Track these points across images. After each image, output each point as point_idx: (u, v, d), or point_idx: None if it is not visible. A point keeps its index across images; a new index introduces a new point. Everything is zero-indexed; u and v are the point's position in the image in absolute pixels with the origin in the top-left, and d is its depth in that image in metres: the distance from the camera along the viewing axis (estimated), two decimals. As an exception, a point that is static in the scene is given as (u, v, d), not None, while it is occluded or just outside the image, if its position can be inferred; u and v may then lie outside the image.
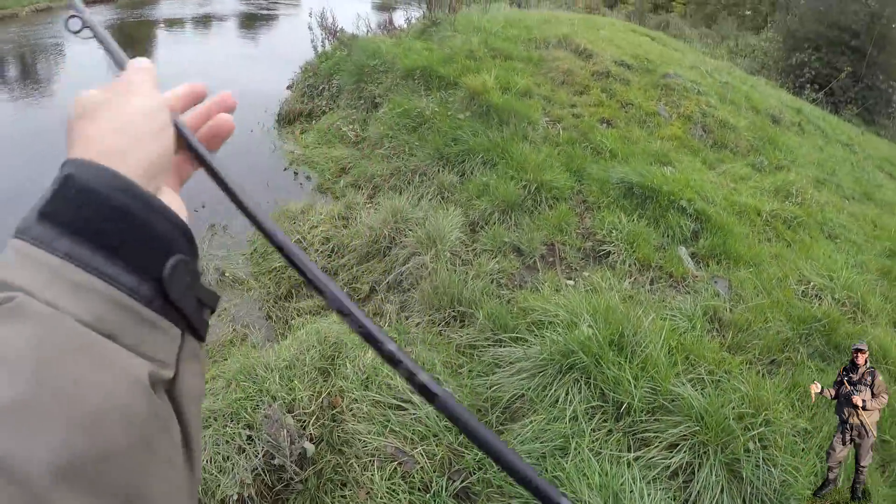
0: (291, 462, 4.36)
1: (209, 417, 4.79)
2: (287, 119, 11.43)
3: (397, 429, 4.15)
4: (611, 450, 4.11)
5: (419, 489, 3.88)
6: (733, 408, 4.33)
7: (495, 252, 5.95)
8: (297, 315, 5.70)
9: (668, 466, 4.14)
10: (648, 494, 3.72)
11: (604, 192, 6.96)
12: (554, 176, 7.03)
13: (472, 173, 7.57)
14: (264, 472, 4.42)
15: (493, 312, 4.98)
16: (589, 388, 4.29)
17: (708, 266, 6.74)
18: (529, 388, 4.23)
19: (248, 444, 4.58)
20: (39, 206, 0.45)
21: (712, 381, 4.82)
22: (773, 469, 3.99)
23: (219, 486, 4.59)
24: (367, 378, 4.52)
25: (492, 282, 5.50)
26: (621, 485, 3.76)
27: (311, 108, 11.46)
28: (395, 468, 3.99)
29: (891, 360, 5.48)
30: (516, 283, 5.59)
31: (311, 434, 4.44)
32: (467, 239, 6.25)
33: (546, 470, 3.78)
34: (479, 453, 3.99)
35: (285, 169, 9.44)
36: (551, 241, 6.07)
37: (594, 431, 4.15)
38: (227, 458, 4.60)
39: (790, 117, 13.07)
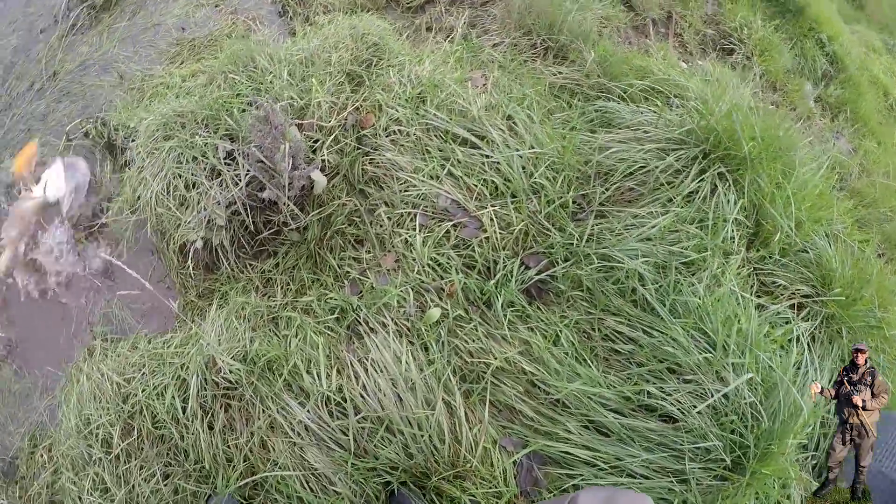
0: (289, 199, 2.96)
1: (170, 123, 3.28)
2: None
3: (459, 172, 2.75)
4: (739, 282, 2.86)
5: (478, 270, 2.60)
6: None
7: (603, -8, 4.28)
8: (325, 12, 4.00)
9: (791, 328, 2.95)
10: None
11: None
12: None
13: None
14: (246, 210, 3.02)
15: (607, 54, 3.45)
16: (735, 192, 2.94)
17: (833, 119, 5.35)
18: (658, 166, 2.84)
19: (227, 164, 3.13)
20: None
21: (847, 248, 3.58)
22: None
23: (178, 226, 3.21)
24: (420, 94, 3.01)
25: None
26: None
27: None
28: (448, 232, 2.66)
29: None
30: (621, 39, 4.03)
31: (324, 161, 3.00)
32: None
33: (672, 288, 2.53)
34: (574, 235, 2.68)
35: None
36: (671, 9, 4.53)
37: (729, 255, 2.87)
38: (194, 184, 3.17)
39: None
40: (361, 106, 3.15)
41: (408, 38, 3.79)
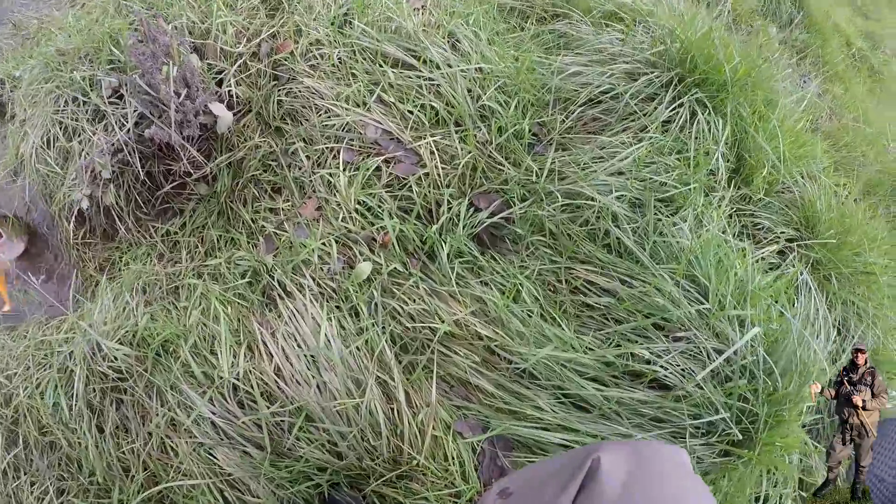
0: (187, 139, 2.41)
1: (52, 64, 2.69)
2: None
3: (391, 98, 2.23)
4: (724, 225, 2.48)
5: (417, 214, 2.10)
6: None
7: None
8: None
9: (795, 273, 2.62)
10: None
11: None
12: None
13: None
14: (135, 155, 2.45)
15: None
16: (715, 117, 2.53)
17: (799, 63, 5.07)
18: (627, 92, 2.40)
19: (114, 105, 2.55)
20: None
21: (828, 190, 3.27)
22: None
23: (61, 184, 2.63)
24: (346, 14, 2.49)
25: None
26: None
27: None
28: (379, 168, 2.15)
29: None
30: None
31: (229, 93, 2.45)
32: None
33: (651, 229, 2.10)
34: (533, 170, 2.21)
35: None
36: None
37: (711, 191, 2.47)
38: (76, 132, 2.59)
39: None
40: (278, 33, 2.61)
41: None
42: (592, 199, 2.11)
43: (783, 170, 2.79)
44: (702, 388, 1.67)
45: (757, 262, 2.58)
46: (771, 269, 2.64)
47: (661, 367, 1.74)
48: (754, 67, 2.74)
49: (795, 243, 2.78)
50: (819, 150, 3.46)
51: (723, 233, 2.24)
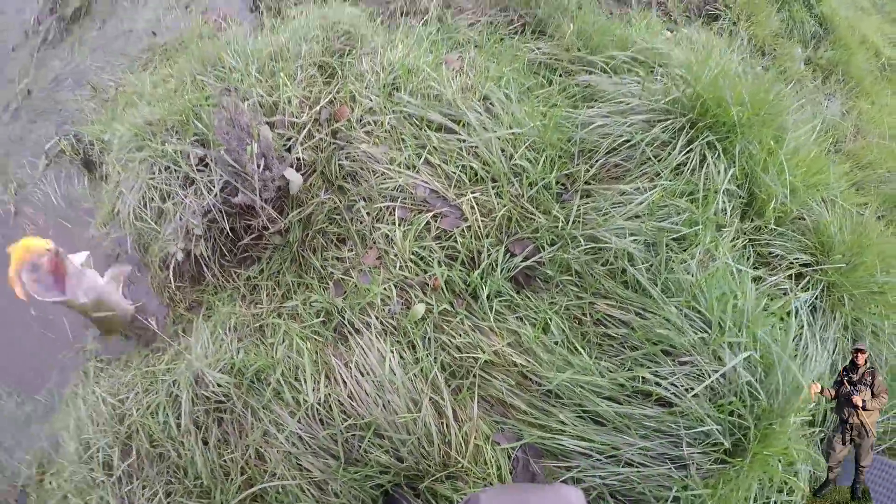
0: (265, 201, 2.87)
1: (141, 133, 3.19)
2: None
3: (436, 160, 2.65)
4: (734, 256, 2.77)
5: (462, 261, 2.50)
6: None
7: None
8: (296, 3, 3.88)
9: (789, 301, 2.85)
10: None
11: None
12: None
13: None
14: (223, 216, 2.93)
15: (588, 26, 3.33)
16: (726, 161, 2.83)
17: (825, 81, 5.22)
18: (644, 139, 2.74)
19: (200, 171, 3.04)
20: None
21: (844, 212, 3.48)
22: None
23: (156, 238, 3.11)
24: (393, 81, 2.91)
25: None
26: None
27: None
28: (429, 223, 2.57)
29: None
30: (603, 11, 3.92)
31: (298, 159, 2.91)
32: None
33: (663, 266, 2.43)
34: (560, 217, 2.58)
35: None
36: None
37: (722, 227, 2.77)
38: (169, 195, 3.07)
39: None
40: (335, 98, 3.05)
41: (381, 24, 3.69)
42: (610, 243, 2.45)
43: (794, 200, 3.04)
44: (696, 403, 2.01)
45: (770, 288, 2.86)
46: (783, 294, 2.90)
47: (665, 387, 2.08)
48: (762, 107, 3.01)
49: (811, 268, 3.01)
50: (834, 176, 3.66)
51: (728, 264, 2.54)
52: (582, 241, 2.50)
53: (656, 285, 2.36)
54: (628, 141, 2.78)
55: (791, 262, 3.02)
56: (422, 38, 3.23)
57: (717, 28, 4.72)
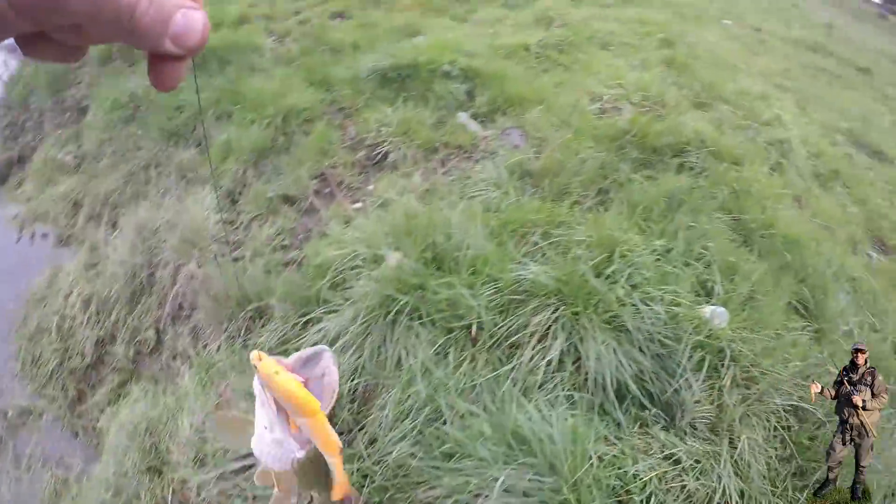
0: None
1: None
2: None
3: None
4: (483, 375, 3.40)
5: None
6: (588, 263, 3.81)
7: (265, 214, 4.80)
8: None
9: (549, 361, 3.53)
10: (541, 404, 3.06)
11: (358, 91, 5.92)
12: (298, 98, 5.85)
13: (209, 137, 6.16)
14: None
15: (286, 292, 3.91)
16: (428, 326, 3.47)
17: (494, 122, 6.15)
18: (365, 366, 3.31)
19: None
20: None
21: (552, 245, 4.27)
22: (653, 305, 3.58)
23: None
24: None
25: (273, 251, 4.39)
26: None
27: (19, 152, 9.08)
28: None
29: (709, 142, 5.35)
30: (301, 238, 4.54)
31: None
32: (229, 215, 4.99)
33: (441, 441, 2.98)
34: None
35: (18, 240, 7.54)
36: (320, 170, 5.08)
37: (458, 368, 3.39)
38: None
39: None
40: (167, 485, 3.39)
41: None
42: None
43: None
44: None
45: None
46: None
47: None
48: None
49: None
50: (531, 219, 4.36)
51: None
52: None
53: None
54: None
55: (532, 330, 3.65)
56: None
57: (390, 163, 5.31)
